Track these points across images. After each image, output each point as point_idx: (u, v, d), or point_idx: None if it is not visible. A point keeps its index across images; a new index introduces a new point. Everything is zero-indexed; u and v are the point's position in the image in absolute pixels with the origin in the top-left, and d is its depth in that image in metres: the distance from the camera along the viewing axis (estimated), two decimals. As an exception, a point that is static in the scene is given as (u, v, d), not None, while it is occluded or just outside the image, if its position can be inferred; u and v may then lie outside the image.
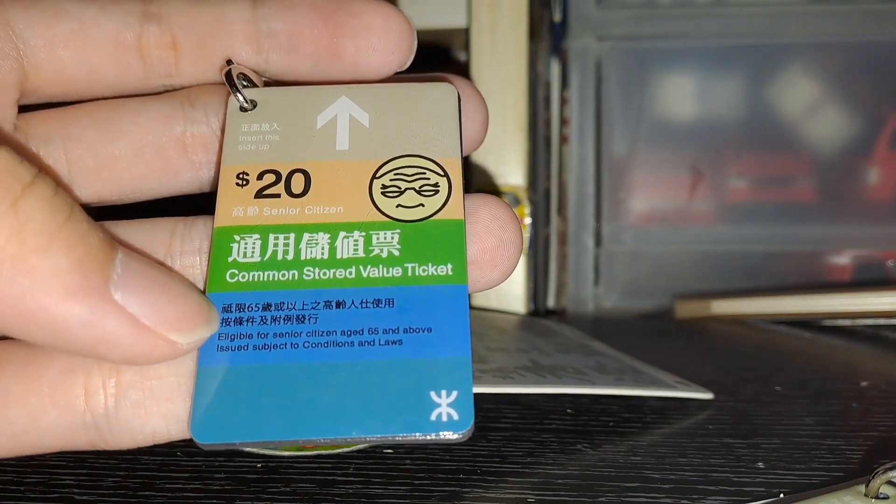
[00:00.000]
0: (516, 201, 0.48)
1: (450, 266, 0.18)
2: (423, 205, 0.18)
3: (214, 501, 0.23)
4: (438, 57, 0.55)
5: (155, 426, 0.18)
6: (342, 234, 0.18)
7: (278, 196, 0.18)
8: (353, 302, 0.17)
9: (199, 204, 0.20)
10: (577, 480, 0.25)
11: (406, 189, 0.18)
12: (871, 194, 0.49)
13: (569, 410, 0.31)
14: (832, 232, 0.49)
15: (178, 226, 0.19)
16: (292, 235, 0.18)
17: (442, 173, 0.19)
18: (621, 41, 0.50)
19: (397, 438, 0.16)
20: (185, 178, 0.20)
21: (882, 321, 0.43)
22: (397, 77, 0.20)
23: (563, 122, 0.51)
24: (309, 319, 0.17)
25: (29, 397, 0.17)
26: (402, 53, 0.20)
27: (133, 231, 0.19)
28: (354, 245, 0.18)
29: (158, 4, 0.19)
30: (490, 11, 0.47)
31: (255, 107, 0.19)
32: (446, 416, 0.16)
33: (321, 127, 0.19)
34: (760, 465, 0.26)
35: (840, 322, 0.44)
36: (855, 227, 0.49)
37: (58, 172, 0.19)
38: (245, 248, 0.18)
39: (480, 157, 0.48)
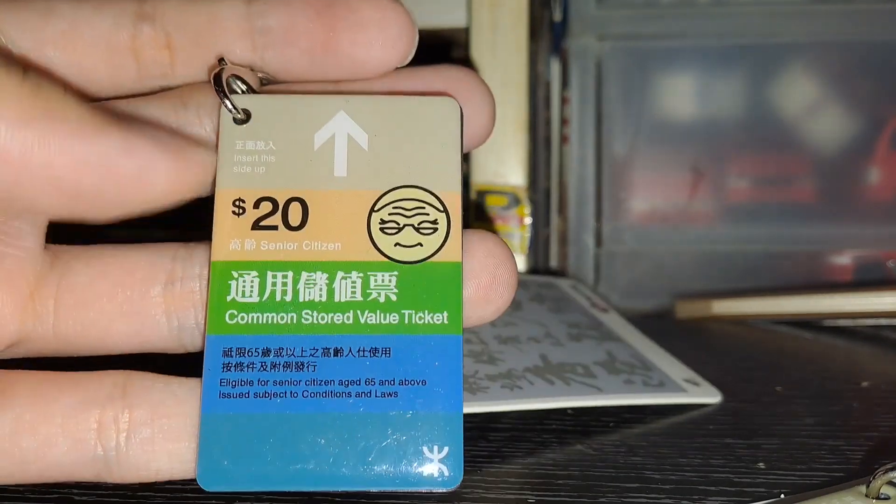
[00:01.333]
0: (516, 201, 0.48)
1: (445, 314, 0.18)
2: (421, 244, 0.18)
3: (214, 502, 0.23)
4: (439, 56, 0.55)
5: (160, 464, 0.18)
6: (340, 274, 0.18)
7: (275, 228, 0.18)
8: (350, 350, 0.18)
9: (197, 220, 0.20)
10: (577, 481, 0.25)
11: (405, 226, 0.18)
12: (872, 194, 0.49)
13: (569, 411, 0.30)
14: (833, 232, 0.49)
15: (180, 251, 0.19)
16: (290, 274, 0.18)
17: (441, 209, 0.18)
18: (622, 41, 0.50)
19: (391, 490, 0.17)
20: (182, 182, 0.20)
21: (883, 321, 0.43)
22: (398, 88, 0.20)
23: (564, 121, 0.51)
24: (308, 367, 0.17)
25: (41, 427, 0.17)
26: (401, 48, 0.19)
27: (135, 254, 0.19)
28: (352, 287, 0.18)
29: (152, 4, 0.19)
30: (490, 11, 0.47)
31: (248, 118, 0.19)
32: (437, 472, 0.17)
33: (318, 148, 0.19)
34: (761, 465, 0.26)
35: (841, 322, 0.44)
36: (856, 227, 0.49)
37: None
38: (243, 286, 0.18)
39: (481, 157, 0.48)
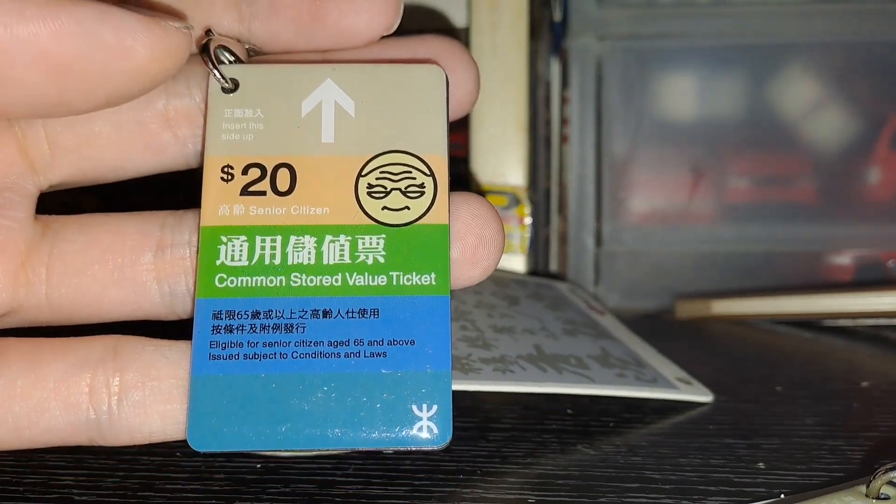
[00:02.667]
0: (516, 201, 0.48)
1: (433, 275, 0.18)
2: (408, 207, 0.18)
3: (214, 502, 0.23)
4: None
5: (153, 426, 0.18)
6: (328, 237, 0.18)
7: (264, 194, 0.19)
8: (339, 311, 0.18)
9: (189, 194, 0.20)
10: (577, 481, 0.25)
11: (392, 189, 0.18)
12: (872, 194, 0.49)
13: (569, 411, 0.31)
14: (833, 232, 0.49)
15: (169, 219, 0.19)
16: (279, 238, 0.18)
17: (428, 172, 0.19)
18: (622, 41, 0.50)
19: (380, 449, 0.17)
20: (170, 154, 0.20)
21: (883, 321, 0.43)
22: (384, 57, 0.20)
23: (564, 121, 0.51)
24: (297, 329, 0.18)
25: (34, 392, 0.18)
26: (388, 16, 0.19)
27: (124, 222, 0.19)
28: (340, 250, 0.18)
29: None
30: (490, 11, 0.47)
31: (236, 87, 0.19)
32: (426, 430, 0.17)
33: (306, 115, 0.19)
34: (761, 465, 0.26)
35: (841, 322, 0.44)
36: (856, 227, 0.49)
37: (39, 151, 0.19)
38: (233, 250, 0.18)
39: (481, 157, 0.48)
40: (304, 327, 0.18)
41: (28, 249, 0.19)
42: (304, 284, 0.18)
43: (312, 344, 0.17)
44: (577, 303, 0.41)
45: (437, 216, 0.18)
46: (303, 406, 0.17)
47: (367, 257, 0.18)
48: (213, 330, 0.18)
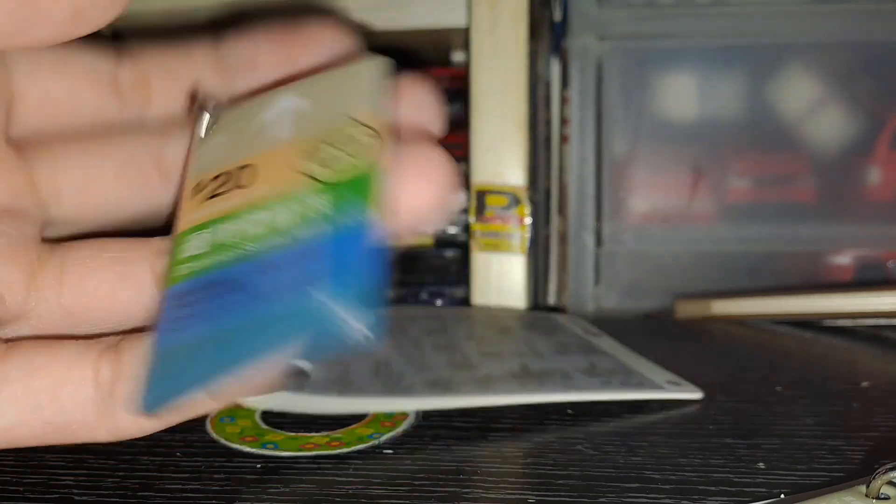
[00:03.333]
0: (516, 201, 0.48)
1: (373, 214, 0.19)
2: (355, 165, 0.19)
3: (213, 502, 0.24)
4: (439, 55, 0.55)
5: None
6: (281, 208, 0.19)
7: (228, 192, 0.20)
8: (286, 261, 0.19)
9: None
10: (577, 481, 0.25)
11: (337, 153, 0.20)
12: (872, 194, 0.49)
13: (569, 411, 0.31)
14: (833, 232, 0.49)
15: (165, 241, 0.21)
16: (239, 220, 0.19)
17: (372, 134, 0.20)
18: (622, 40, 0.50)
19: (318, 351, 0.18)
20: (160, 196, 0.21)
21: (883, 321, 0.43)
22: (337, 62, 0.22)
23: (564, 121, 0.51)
24: (247, 286, 0.18)
25: (51, 368, 0.19)
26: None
27: (129, 239, 0.20)
28: (290, 213, 0.19)
29: (127, 46, 0.21)
30: (490, 10, 0.47)
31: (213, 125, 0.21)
32: (362, 337, 0.18)
33: (268, 123, 0.21)
34: (761, 465, 0.26)
35: (841, 322, 0.44)
36: (856, 228, 0.49)
37: (48, 185, 0.21)
38: (197, 243, 0.19)
39: (480, 157, 0.48)
40: (254, 283, 0.18)
41: (39, 258, 0.20)
42: (258, 249, 0.19)
43: (260, 294, 0.18)
44: (572, 329, 0.41)
45: (380, 164, 0.19)
46: (250, 346, 0.18)
47: (316, 213, 0.19)
48: (174, 309, 0.19)
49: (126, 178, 0.21)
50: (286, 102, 0.21)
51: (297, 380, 0.29)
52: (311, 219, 0.19)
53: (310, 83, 0.21)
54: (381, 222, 0.18)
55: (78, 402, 0.19)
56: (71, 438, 0.19)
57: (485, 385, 0.31)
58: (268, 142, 0.21)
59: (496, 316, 0.42)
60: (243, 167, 0.20)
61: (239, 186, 0.20)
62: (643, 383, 0.32)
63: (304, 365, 0.18)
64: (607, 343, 0.39)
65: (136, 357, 0.19)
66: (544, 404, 0.31)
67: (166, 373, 0.18)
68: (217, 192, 0.20)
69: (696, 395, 0.32)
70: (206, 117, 0.21)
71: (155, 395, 0.18)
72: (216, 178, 0.20)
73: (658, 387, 0.32)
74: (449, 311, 0.43)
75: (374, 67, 0.21)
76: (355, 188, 0.19)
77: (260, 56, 0.21)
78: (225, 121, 0.21)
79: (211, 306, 0.18)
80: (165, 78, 0.21)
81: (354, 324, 0.17)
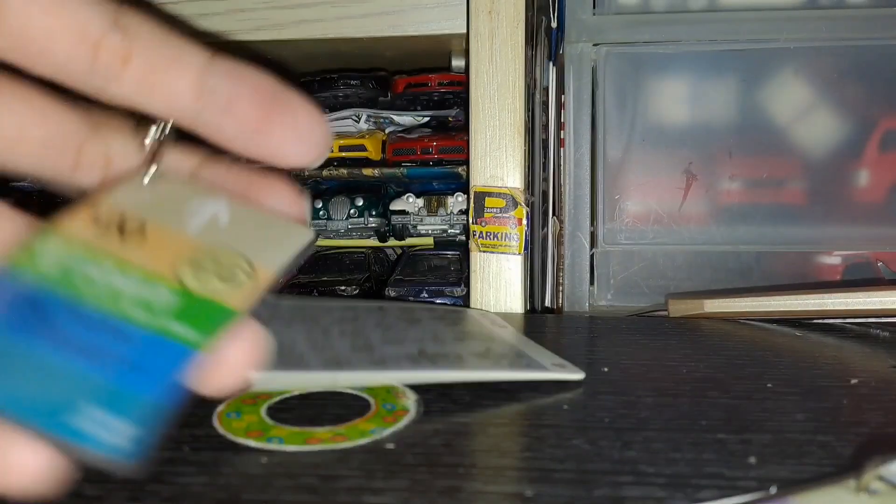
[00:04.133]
0: (514, 203, 0.48)
1: (197, 335, 0.19)
2: (218, 288, 0.20)
3: (221, 495, 0.24)
4: (438, 61, 0.55)
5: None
6: (136, 282, 0.20)
7: (111, 235, 0.21)
8: (102, 329, 0.19)
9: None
10: (573, 474, 0.25)
11: (215, 271, 0.21)
12: (862, 196, 0.50)
13: (565, 407, 0.31)
14: (823, 233, 0.50)
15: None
16: (99, 266, 0.20)
17: (250, 275, 0.21)
18: (616, 46, 0.50)
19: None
20: (63, 183, 0.22)
21: (872, 320, 0.44)
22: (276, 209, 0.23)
23: (560, 125, 0.52)
24: (57, 328, 0.19)
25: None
26: (316, 154, 0.22)
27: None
28: (139, 292, 0.20)
29: (130, 19, 0.20)
30: (488, 18, 0.47)
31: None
32: (118, 444, 0.17)
33: (188, 209, 0.22)
34: (752, 460, 0.26)
35: (831, 320, 0.44)
36: (845, 229, 0.50)
37: None
38: (54, 257, 0.20)
39: (479, 160, 0.48)
40: (64, 331, 0.19)
41: None
42: (93, 304, 0.19)
43: (67, 337, 0.19)
44: (482, 321, 0.42)
45: (237, 303, 0.20)
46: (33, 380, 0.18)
47: (158, 303, 0.20)
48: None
49: (47, 149, 0.21)
50: (215, 206, 0.22)
51: None
52: (152, 307, 0.20)
53: (246, 207, 0.22)
54: (201, 358, 0.19)
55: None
56: None
57: (378, 364, 0.32)
58: (173, 222, 0.21)
59: (410, 309, 0.43)
60: (141, 227, 0.21)
61: (124, 238, 0.21)
62: (530, 365, 0.34)
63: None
64: (509, 333, 0.40)
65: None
66: (540, 401, 0.32)
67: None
68: (106, 227, 0.21)
69: (578, 375, 0.34)
70: (154, 168, 0.22)
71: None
72: (116, 213, 0.21)
73: (543, 368, 0.34)
74: (364, 304, 0.44)
75: (302, 238, 0.22)
76: (205, 312, 0.20)
77: (241, 96, 0.21)
78: (163, 180, 0.22)
79: (13, 317, 0.18)
80: (147, 66, 0.20)
81: (117, 431, 0.17)
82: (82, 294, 0.19)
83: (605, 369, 0.36)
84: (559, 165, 0.52)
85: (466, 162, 0.49)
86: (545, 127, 0.52)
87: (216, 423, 0.29)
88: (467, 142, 0.49)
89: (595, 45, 0.50)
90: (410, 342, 0.36)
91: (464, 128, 0.50)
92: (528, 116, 0.50)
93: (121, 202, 0.21)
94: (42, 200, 0.54)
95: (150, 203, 0.22)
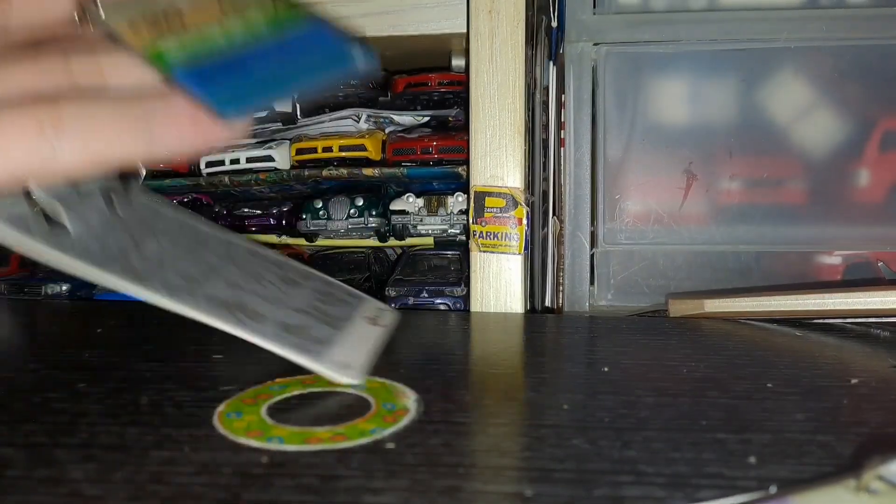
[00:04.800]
0: (514, 203, 0.48)
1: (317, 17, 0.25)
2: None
3: (221, 495, 0.24)
4: (438, 61, 0.55)
5: None
6: (245, 19, 0.25)
7: (175, 24, 0.25)
8: (287, 41, 0.25)
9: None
10: (573, 474, 0.25)
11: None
12: (862, 196, 0.50)
13: (565, 407, 0.31)
14: (823, 233, 0.50)
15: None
16: (208, 33, 0.25)
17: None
18: (617, 46, 0.50)
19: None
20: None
21: (872, 319, 0.44)
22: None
23: (560, 125, 0.52)
24: (267, 57, 0.24)
25: None
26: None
27: None
28: (262, 17, 0.25)
29: None
30: (488, 17, 0.47)
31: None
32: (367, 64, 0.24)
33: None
34: (752, 459, 0.26)
35: (831, 320, 0.44)
36: (845, 228, 0.50)
37: None
38: (181, 49, 0.24)
39: (479, 160, 0.48)
40: (270, 55, 0.24)
41: None
42: (252, 42, 0.24)
43: (286, 55, 0.24)
44: (360, 308, 0.41)
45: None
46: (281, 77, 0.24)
47: (283, 16, 0.25)
48: (200, 79, 0.23)
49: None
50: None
51: (58, 235, 0.29)
52: (281, 21, 0.24)
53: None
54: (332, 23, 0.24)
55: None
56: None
57: (190, 297, 0.32)
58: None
59: (296, 268, 0.41)
60: (177, 9, 0.24)
61: (182, 21, 0.24)
62: (320, 354, 0.33)
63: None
64: (369, 329, 0.38)
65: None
66: (541, 401, 0.32)
67: (225, 95, 0.22)
68: (162, 25, 0.24)
69: (350, 380, 0.33)
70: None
71: (225, 103, 0.22)
72: (150, 16, 0.24)
73: (323, 360, 0.33)
74: (244, 243, 0.41)
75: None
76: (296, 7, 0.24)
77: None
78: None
79: (242, 65, 0.23)
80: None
81: (363, 59, 0.24)
82: (241, 45, 0.24)
83: (605, 369, 0.36)
84: (559, 165, 0.52)
85: (466, 162, 0.49)
86: (545, 127, 0.52)
87: (216, 423, 0.29)
88: (467, 141, 0.49)
89: (595, 44, 0.50)
90: (246, 293, 0.35)
91: (464, 127, 0.50)
92: (529, 116, 0.50)
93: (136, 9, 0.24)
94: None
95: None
